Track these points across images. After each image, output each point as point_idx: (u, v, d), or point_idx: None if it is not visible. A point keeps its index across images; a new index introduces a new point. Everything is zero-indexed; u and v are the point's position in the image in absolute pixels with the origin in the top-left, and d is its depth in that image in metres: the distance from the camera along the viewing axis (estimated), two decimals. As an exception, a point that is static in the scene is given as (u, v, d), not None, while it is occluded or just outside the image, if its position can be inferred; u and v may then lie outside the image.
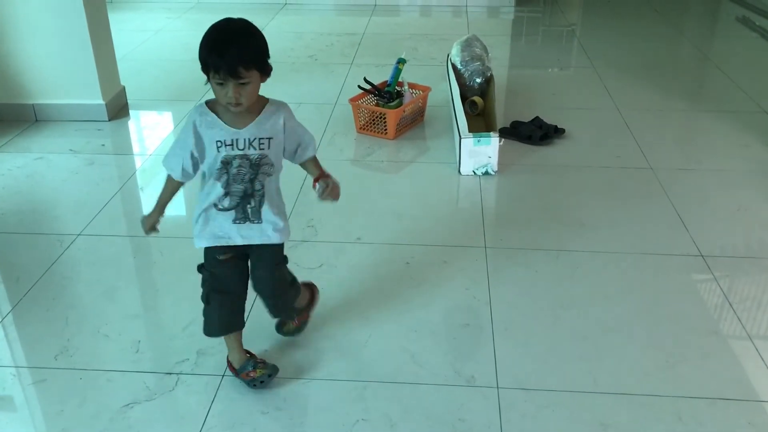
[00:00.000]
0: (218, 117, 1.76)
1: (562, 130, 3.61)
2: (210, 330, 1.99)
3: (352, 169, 3.35)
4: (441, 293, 2.42)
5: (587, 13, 6.48)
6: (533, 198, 3.05)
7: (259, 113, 1.78)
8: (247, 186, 1.81)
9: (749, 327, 2.24)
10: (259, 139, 1.77)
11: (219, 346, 2.16)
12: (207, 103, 1.78)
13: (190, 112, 1.79)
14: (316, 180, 1.97)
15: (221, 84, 1.67)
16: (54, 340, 2.19)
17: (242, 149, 1.76)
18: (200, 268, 1.96)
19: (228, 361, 2.06)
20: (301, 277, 2.47)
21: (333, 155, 3.42)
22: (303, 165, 1.99)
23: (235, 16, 1.77)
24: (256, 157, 1.78)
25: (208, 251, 1.92)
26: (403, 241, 2.72)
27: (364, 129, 3.65)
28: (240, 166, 1.77)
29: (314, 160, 1.98)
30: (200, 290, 1.95)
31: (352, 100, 3.67)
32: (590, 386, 2.00)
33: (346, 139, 3.61)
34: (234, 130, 1.75)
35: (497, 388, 1.99)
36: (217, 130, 1.75)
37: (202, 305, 1.97)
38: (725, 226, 2.81)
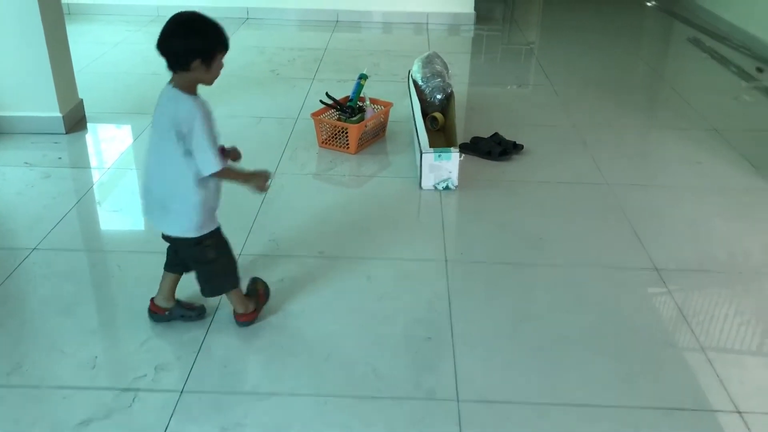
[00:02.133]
0: None
1: (521, 146, 3.67)
2: None
3: (314, 183, 3.35)
4: (402, 307, 2.43)
5: (545, 33, 6.62)
6: (493, 212, 3.09)
7: None
8: None
9: (702, 339, 2.30)
10: None
11: (178, 362, 2.13)
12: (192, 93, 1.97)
13: (199, 106, 1.92)
14: None
15: (221, 62, 1.94)
16: (7, 356, 2.14)
17: None
18: None
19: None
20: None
21: (295, 169, 3.42)
22: None
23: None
24: None
25: None
26: (364, 255, 2.72)
27: (326, 143, 3.66)
28: None
29: None
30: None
31: (314, 115, 3.67)
32: (550, 398, 2.03)
33: (308, 153, 3.61)
34: None
35: (458, 401, 2.01)
36: None
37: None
38: (679, 241, 2.88)
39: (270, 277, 2.51)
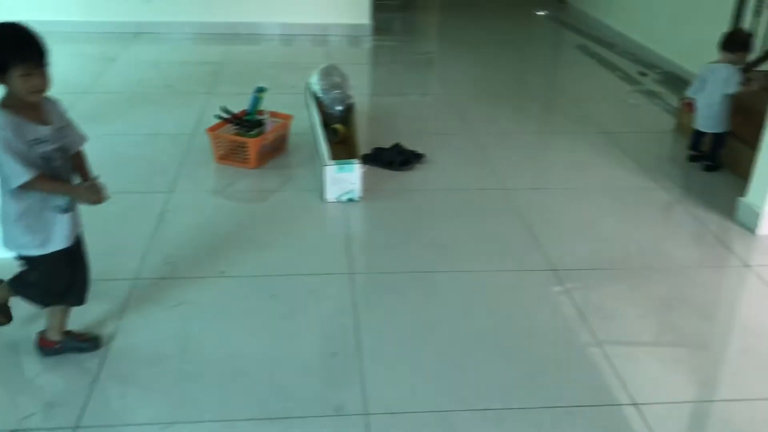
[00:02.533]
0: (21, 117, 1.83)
1: (422, 155, 3.71)
2: None
3: (213, 201, 3.26)
4: (308, 323, 2.39)
5: (443, 43, 6.74)
6: (396, 222, 3.10)
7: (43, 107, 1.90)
8: None
9: (600, 335, 2.38)
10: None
11: (71, 396, 2.02)
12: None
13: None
14: None
15: (28, 75, 1.77)
16: None
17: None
18: None
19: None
20: (163, 316, 2.38)
21: (192, 186, 3.32)
22: None
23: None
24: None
25: None
26: (268, 272, 2.67)
27: (224, 159, 3.57)
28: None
29: None
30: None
31: (210, 130, 3.59)
32: (457, 404, 2.04)
33: (205, 170, 3.51)
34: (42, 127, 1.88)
35: (367, 414, 1.99)
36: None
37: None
38: (575, 241, 2.98)
39: (168, 302, 2.42)
